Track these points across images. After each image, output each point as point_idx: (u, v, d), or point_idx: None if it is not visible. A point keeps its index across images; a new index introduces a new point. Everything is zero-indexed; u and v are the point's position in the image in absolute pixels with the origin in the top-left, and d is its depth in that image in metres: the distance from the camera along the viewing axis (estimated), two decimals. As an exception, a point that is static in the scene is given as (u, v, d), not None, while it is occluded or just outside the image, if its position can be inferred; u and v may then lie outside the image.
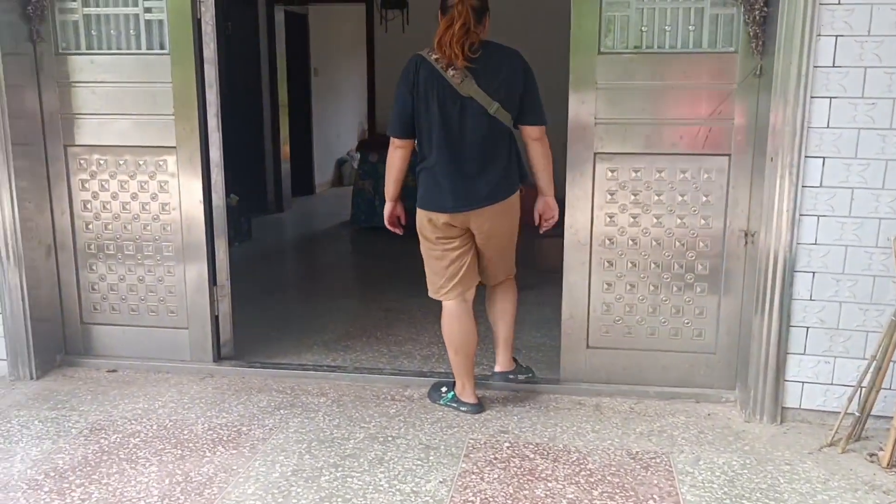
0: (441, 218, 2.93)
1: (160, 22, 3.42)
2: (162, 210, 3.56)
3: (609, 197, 3.27)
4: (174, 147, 3.48)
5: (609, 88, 3.18)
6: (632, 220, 3.27)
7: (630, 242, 3.29)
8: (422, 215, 2.98)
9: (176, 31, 3.39)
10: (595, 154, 3.24)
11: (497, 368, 3.37)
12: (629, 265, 3.31)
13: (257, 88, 7.81)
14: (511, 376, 3.38)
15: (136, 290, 3.65)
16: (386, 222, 3.16)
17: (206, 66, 3.46)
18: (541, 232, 3.25)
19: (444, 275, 3.03)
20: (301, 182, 9.00)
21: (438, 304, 3.19)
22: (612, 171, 3.25)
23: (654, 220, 3.26)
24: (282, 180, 8.09)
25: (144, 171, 3.54)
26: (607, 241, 3.31)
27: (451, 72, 2.81)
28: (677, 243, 3.26)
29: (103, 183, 3.58)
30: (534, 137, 2.97)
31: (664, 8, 3.11)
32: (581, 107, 3.21)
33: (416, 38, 7.59)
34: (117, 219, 3.60)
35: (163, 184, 3.53)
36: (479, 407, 3.19)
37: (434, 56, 2.84)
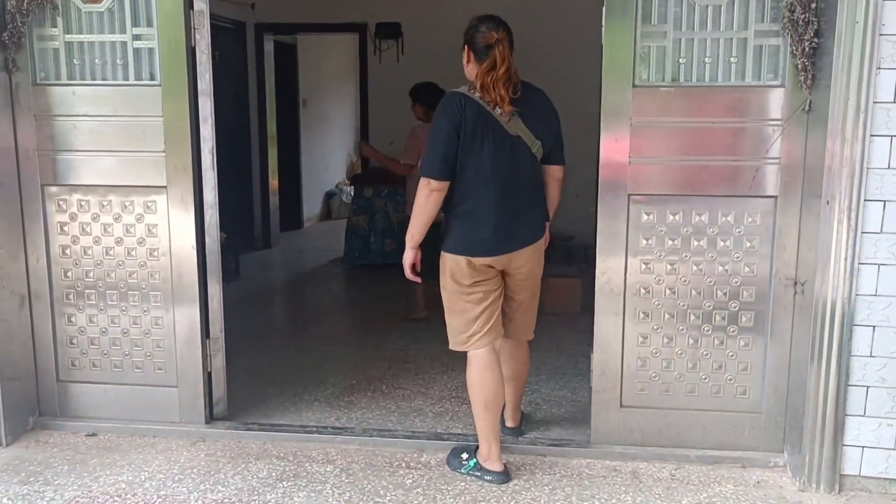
0: (482, 261, 2.79)
1: (150, 50, 3.12)
2: (150, 255, 3.23)
3: (644, 242, 3.00)
4: (164, 187, 3.17)
5: (644, 125, 2.93)
6: (669, 267, 2.99)
7: (668, 291, 3.01)
8: (456, 260, 2.81)
9: (168, 61, 3.09)
10: (629, 196, 2.98)
11: (509, 424, 3.25)
12: (667, 316, 3.02)
13: (245, 120, 7.52)
14: (523, 429, 3.29)
15: (119, 343, 3.30)
16: (407, 271, 2.92)
17: (200, 98, 3.16)
18: None
19: (476, 322, 2.83)
20: (289, 216, 8.68)
21: (446, 352, 3.03)
22: (648, 215, 2.98)
23: (694, 268, 2.98)
24: (270, 215, 7.77)
25: (131, 212, 3.21)
26: (643, 290, 3.03)
27: (498, 110, 2.73)
28: (719, 292, 2.98)
29: (84, 226, 3.24)
30: (557, 177, 2.95)
31: (703, 39, 2.87)
32: (614, 145, 2.95)
33: (412, 68, 7.43)
34: (99, 265, 3.26)
35: (151, 227, 3.21)
36: (506, 475, 2.89)
37: (479, 94, 2.74)
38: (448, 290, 2.86)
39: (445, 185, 2.75)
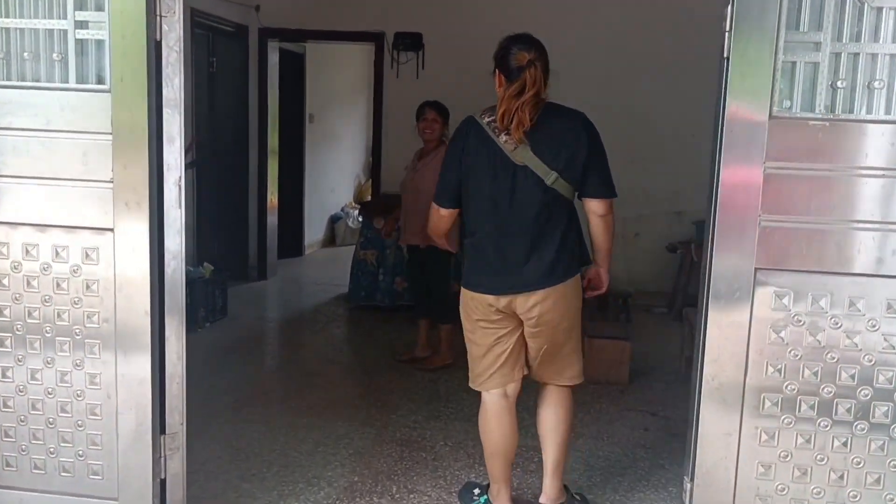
0: (485, 299, 2.58)
1: (98, 43, 2.29)
2: (87, 322, 2.37)
3: (774, 336, 2.14)
4: (110, 230, 2.32)
5: (783, 172, 2.08)
6: (810, 373, 2.13)
7: (802, 404, 2.15)
8: (466, 295, 2.67)
9: (123, 58, 2.25)
10: (756, 270, 2.12)
11: (542, 500, 2.79)
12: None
13: (244, 133, 6.70)
14: None
15: (41, 437, 2.44)
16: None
17: (165, 110, 2.32)
18: (584, 297, 2.73)
19: (484, 360, 2.66)
20: (289, 241, 7.84)
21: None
22: (782, 297, 2.13)
23: (845, 375, 2.12)
24: (267, 240, 6.92)
25: (64, 261, 2.36)
26: (767, 402, 2.17)
27: (503, 137, 2.49)
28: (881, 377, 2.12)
29: None
30: (598, 213, 2.58)
31: (873, 54, 2.03)
32: (737, 196, 2.11)
33: (433, 84, 6.56)
34: (9, 382, 2.41)
35: (90, 283, 2.35)
36: None
37: (487, 119, 2.54)
38: (463, 325, 2.72)
39: (452, 212, 2.66)
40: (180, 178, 2.36)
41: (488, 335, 2.62)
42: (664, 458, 3.43)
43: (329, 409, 3.85)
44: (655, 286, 6.47)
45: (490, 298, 2.56)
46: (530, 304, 2.52)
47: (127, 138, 2.28)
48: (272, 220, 6.95)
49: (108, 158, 2.29)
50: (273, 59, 6.78)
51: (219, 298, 5.48)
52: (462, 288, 2.67)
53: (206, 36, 6.40)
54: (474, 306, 2.62)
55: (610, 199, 2.57)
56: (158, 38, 2.29)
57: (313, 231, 8.54)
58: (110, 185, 2.30)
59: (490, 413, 2.67)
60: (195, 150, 5.56)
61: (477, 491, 2.88)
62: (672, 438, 3.63)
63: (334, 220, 9.04)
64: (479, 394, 2.74)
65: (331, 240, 9.02)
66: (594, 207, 2.57)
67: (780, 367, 2.15)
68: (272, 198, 6.95)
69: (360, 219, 6.25)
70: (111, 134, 2.28)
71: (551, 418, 2.72)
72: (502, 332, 2.61)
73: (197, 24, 5.88)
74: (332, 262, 7.91)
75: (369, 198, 9.86)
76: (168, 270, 2.37)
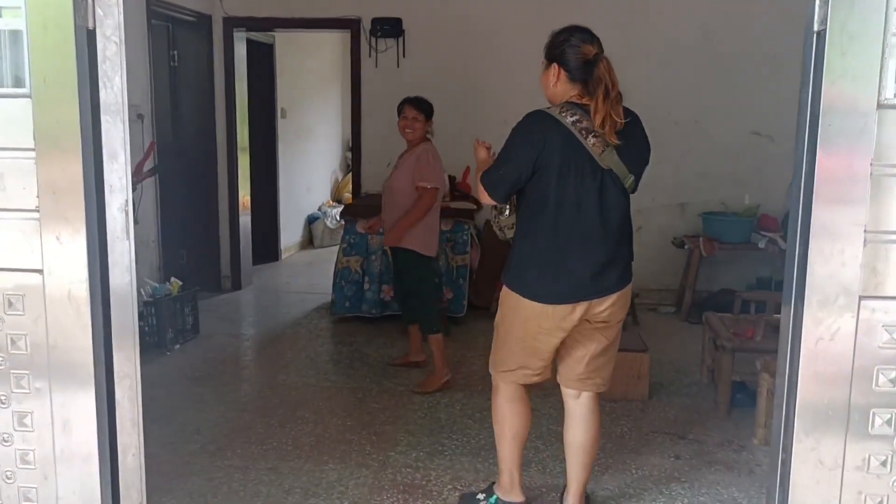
0: (562, 310, 2.45)
1: (14, 35, 1.79)
2: (15, 386, 1.88)
3: (884, 381, 1.71)
4: (38, 271, 1.83)
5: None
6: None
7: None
8: (530, 308, 2.47)
9: (44, 52, 1.76)
10: (861, 299, 1.69)
11: None
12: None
13: (211, 131, 6.17)
14: None
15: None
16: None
17: (105, 117, 1.83)
18: None
19: (531, 362, 2.56)
20: (264, 245, 7.34)
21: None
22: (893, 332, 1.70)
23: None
24: (240, 245, 6.39)
25: (-17, 313, 1.87)
26: (878, 419, 1.74)
27: (591, 140, 2.34)
28: None
29: None
30: None
31: None
32: (835, 209, 1.67)
33: (415, 73, 6.05)
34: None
35: (15, 339, 1.86)
36: None
37: (571, 119, 2.36)
38: (509, 330, 2.55)
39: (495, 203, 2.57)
40: (127, 201, 1.88)
41: (546, 345, 2.51)
42: (704, 492, 3.03)
43: (317, 447, 3.39)
44: (659, 283, 6.07)
45: (567, 308, 2.44)
46: (605, 307, 2.48)
47: (55, 155, 1.79)
48: (245, 221, 6.43)
49: (32, 181, 1.80)
50: (240, 50, 6.24)
51: (189, 316, 4.98)
52: (524, 299, 2.47)
53: (164, 27, 5.86)
54: (544, 318, 2.45)
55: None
56: (91, 26, 1.79)
57: (289, 233, 8.03)
58: (36, 214, 1.81)
59: (510, 396, 2.63)
60: (155, 155, 5.05)
61: (481, 496, 2.81)
62: (708, 468, 3.24)
63: (311, 220, 8.53)
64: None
65: (308, 241, 8.51)
66: None
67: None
68: (244, 198, 6.43)
69: (342, 222, 5.75)
70: (34, 150, 1.78)
71: (582, 436, 2.65)
72: (565, 335, 2.51)
73: (154, 13, 5.34)
74: (312, 266, 7.42)
75: (347, 195, 9.42)
76: (113, 321, 1.89)
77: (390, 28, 5.97)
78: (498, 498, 2.74)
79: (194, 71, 6.05)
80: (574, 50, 2.37)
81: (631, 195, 2.50)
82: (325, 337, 5.14)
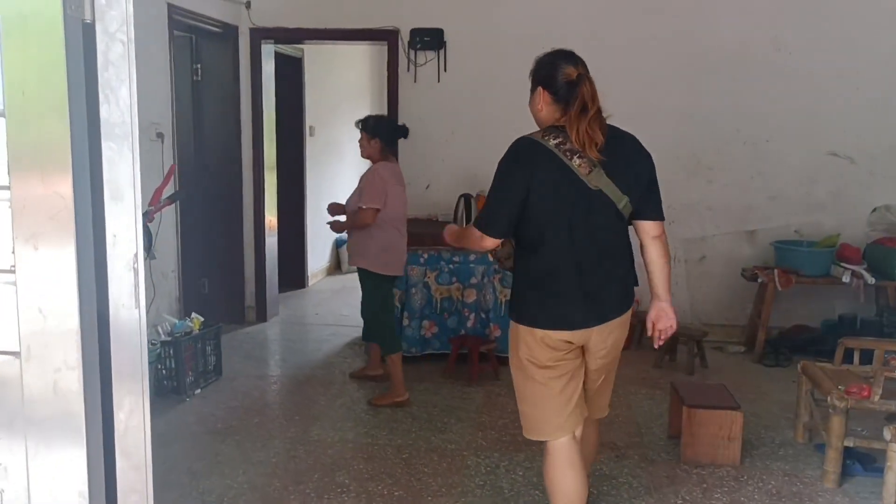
0: (561, 335, 2.38)
1: (-16, 30, 1.31)
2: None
3: None
4: (14, 353, 1.34)
5: None
6: None
7: None
8: (530, 335, 2.41)
9: (23, 54, 1.28)
10: None
11: None
12: None
13: (235, 149, 5.71)
14: None
15: None
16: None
17: (108, 144, 1.35)
18: (656, 346, 2.63)
19: (555, 405, 2.44)
20: (290, 271, 6.88)
21: None
22: None
23: None
24: (266, 271, 5.91)
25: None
26: None
27: (576, 160, 2.30)
28: None
29: None
30: (655, 235, 2.46)
31: None
32: None
33: (457, 88, 5.46)
34: None
35: (-17, 446, 1.38)
36: None
37: (554, 141, 2.31)
38: (520, 369, 2.49)
39: (496, 243, 2.43)
40: (136, 256, 1.39)
41: (560, 377, 2.43)
42: None
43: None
44: (725, 318, 5.51)
45: (566, 335, 2.39)
46: (607, 333, 2.43)
47: (36, 194, 1.30)
48: (271, 244, 5.95)
49: (5, 230, 1.31)
50: (268, 63, 5.80)
51: (211, 356, 4.50)
52: (523, 328, 2.43)
53: (188, 38, 5.45)
54: (544, 347, 2.40)
55: (662, 221, 2.48)
56: (89, 18, 1.32)
57: (317, 258, 7.56)
58: (11, 276, 1.32)
59: (563, 460, 2.47)
60: (176, 179, 4.60)
61: None
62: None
63: (339, 244, 8.05)
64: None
65: (336, 266, 8.04)
66: (652, 230, 2.45)
67: None
68: (271, 220, 5.96)
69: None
70: (8, 188, 1.30)
71: (582, 450, 2.55)
72: (573, 369, 2.45)
73: (176, 24, 4.91)
74: (341, 294, 6.93)
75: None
76: (119, 425, 1.39)
77: (431, 40, 5.50)
78: None
79: (219, 86, 5.62)
80: (559, 72, 2.36)
81: (659, 221, 2.45)
82: (362, 380, 4.63)
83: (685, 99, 5.34)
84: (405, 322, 4.85)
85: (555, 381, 2.42)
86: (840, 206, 5.31)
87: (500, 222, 2.37)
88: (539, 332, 2.39)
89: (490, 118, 5.42)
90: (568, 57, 2.39)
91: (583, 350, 2.45)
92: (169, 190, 3.89)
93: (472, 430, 3.76)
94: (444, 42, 5.51)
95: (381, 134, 4.17)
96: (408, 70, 5.58)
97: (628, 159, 2.39)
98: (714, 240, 5.48)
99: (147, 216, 3.29)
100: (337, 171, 8.05)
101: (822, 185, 5.32)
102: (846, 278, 4.85)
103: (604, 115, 2.35)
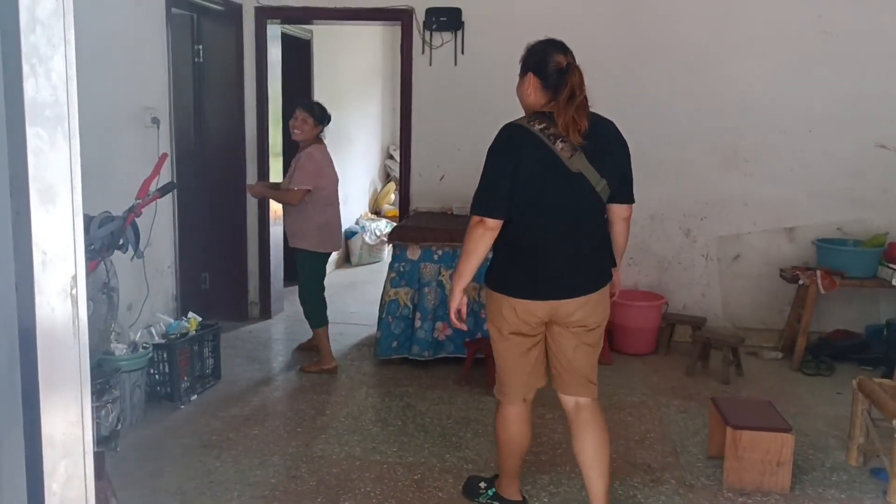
0: (528, 306, 2.55)
1: None
2: None
3: None
4: None
5: None
6: None
7: None
8: (505, 303, 2.58)
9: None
10: None
11: None
12: None
13: (239, 135, 5.37)
14: None
15: None
16: (453, 317, 2.64)
17: (33, 129, 1.01)
18: None
19: (514, 372, 2.68)
20: (296, 265, 6.52)
21: None
22: None
23: None
24: (270, 264, 5.59)
25: None
26: None
27: (559, 144, 2.44)
28: None
29: None
30: (625, 217, 2.68)
31: None
32: None
33: (475, 72, 5.03)
34: None
35: None
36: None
37: (538, 127, 2.46)
38: (492, 331, 2.69)
39: (500, 224, 2.50)
40: (75, 278, 1.05)
41: (523, 345, 2.62)
42: None
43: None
44: (760, 321, 5.15)
45: (535, 305, 2.55)
46: (575, 308, 2.55)
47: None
48: (276, 233, 5.58)
49: None
50: (274, 45, 5.45)
51: (209, 358, 4.18)
52: (500, 296, 2.60)
53: (187, 17, 5.11)
54: (511, 314, 2.57)
55: (632, 205, 2.68)
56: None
57: (325, 250, 7.20)
58: None
59: (513, 419, 2.72)
60: (172, 169, 4.29)
61: (483, 484, 2.97)
62: None
63: (349, 235, 7.72)
64: None
65: (345, 259, 7.71)
66: (623, 213, 2.65)
67: None
68: (275, 208, 5.61)
69: (389, 248, 4.92)
70: None
71: (592, 445, 2.66)
72: (536, 341, 2.63)
73: (175, 1, 4.56)
74: (350, 289, 6.60)
75: (387, 207, 8.60)
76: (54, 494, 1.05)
77: (448, 20, 5.14)
78: (496, 492, 2.91)
79: (222, 68, 5.28)
80: (549, 60, 2.47)
81: (630, 204, 2.66)
82: (370, 385, 4.30)
83: (720, 85, 4.96)
84: (417, 324, 4.52)
85: (516, 347, 2.61)
86: (889, 202, 4.92)
87: (496, 203, 2.46)
88: (513, 300, 2.55)
89: (510, 104, 4.93)
90: (559, 46, 2.52)
91: (547, 326, 2.62)
92: (157, 183, 3.54)
93: (490, 448, 3.43)
94: (462, 22, 5.14)
95: (324, 121, 4.47)
96: (422, 52, 5.22)
97: (608, 145, 2.53)
98: (750, 237, 5.10)
99: (135, 210, 2.95)
100: (347, 158, 7.70)
101: (870, 179, 4.93)
102: (896, 281, 4.49)
103: (588, 103, 2.47)
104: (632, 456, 3.41)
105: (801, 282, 4.68)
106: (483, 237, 2.49)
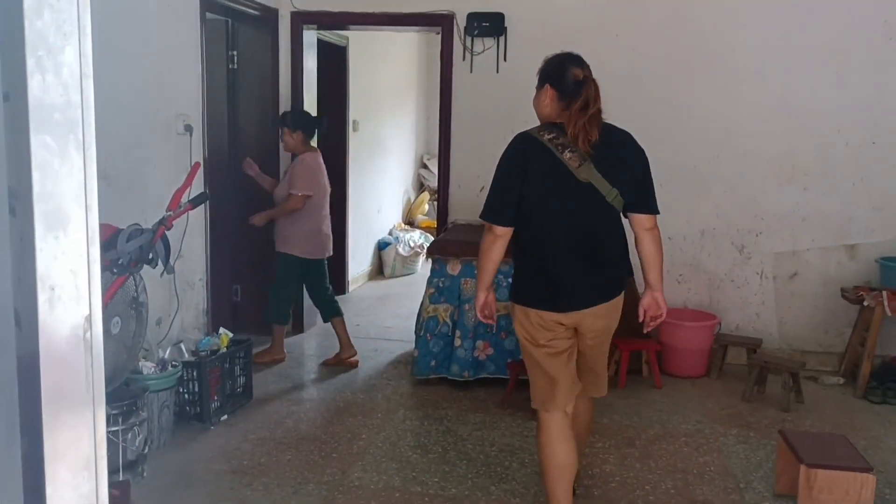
0: (551, 316, 2.58)
1: None
2: None
3: None
4: None
5: None
6: None
7: None
8: (524, 315, 2.63)
9: None
10: None
11: None
12: None
13: (273, 143, 5.20)
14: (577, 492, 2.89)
15: None
16: (479, 314, 2.71)
17: (38, 137, 0.82)
18: (644, 332, 2.78)
19: (547, 381, 2.63)
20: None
21: None
22: None
23: None
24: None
25: None
26: None
27: (567, 154, 2.47)
28: None
29: None
30: (647, 227, 2.61)
31: None
32: None
33: (518, 79, 4.77)
34: None
35: None
36: None
37: (547, 136, 2.51)
38: (520, 341, 2.71)
39: (510, 231, 2.56)
40: (89, 318, 0.86)
41: (554, 355, 2.61)
42: None
43: None
44: (819, 344, 4.85)
45: (557, 316, 2.57)
46: (593, 318, 2.58)
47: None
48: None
49: None
50: (310, 51, 5.30)
51: (240, 376, 4.01)
52: (520, 307, 2.63)
53: (222, 22, 4.97)
54: (537, 327, 2.59)
55: (655, 215, 2.62)
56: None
57: (358, 261, 7.04)
58: None
59: (554, 432, 2.64)
60: (204, 178, 4.13)
61: None
62: None
63: (382, 246, 7.54)
64: None
65: (378, 270, 7.53)
66: (645, 223, 2.59)
67: None
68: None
69: (428, 262, 4.72)
70: None
71: (575, 427, 2.71)
72: (566, 349, 2.62)
73: (209, 5, 4.42)
74: (384, 302, 6.41)
75: (421, 217, 8.41)
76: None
77: (490, 25, 4.94)
78: None
79: (257, 74, 5.13)
80: (568, 72, 2.52)
81: (651, 214, 2.60)
82: (408, 408, 4.09)
83: (779, 95, 4.69)
84: (457, 342, 4.31)
85: (549, 358, 2.61)
86: (959, 218, 4.61)
87: (502, 211, 2.53)
88: (532, 311, 2.59)
89: (555, 113, 4.82)
90: (576, 60, 2.58)
91: (576, 331, 2.63)
92: (190, 193, 3.38)
93: (537, 480, 3.20)
94: (505, 28, 4.94)
95: (303, 126, 4.50)
96: (463, 59, 5.03)
97: (620, 155, 2.55)
98: (808, 254, 4.82)
99: (165, 223, 2.78)
100: (382, 168, 7.55)
101: (938, 194, 4.63)
102: (970, 304, 4.17)
103: (603, 115, 2.51)
104: (691, 492, 3.16)
105: (865, 303, 4.38)
106: (494, 244, 2.57)
